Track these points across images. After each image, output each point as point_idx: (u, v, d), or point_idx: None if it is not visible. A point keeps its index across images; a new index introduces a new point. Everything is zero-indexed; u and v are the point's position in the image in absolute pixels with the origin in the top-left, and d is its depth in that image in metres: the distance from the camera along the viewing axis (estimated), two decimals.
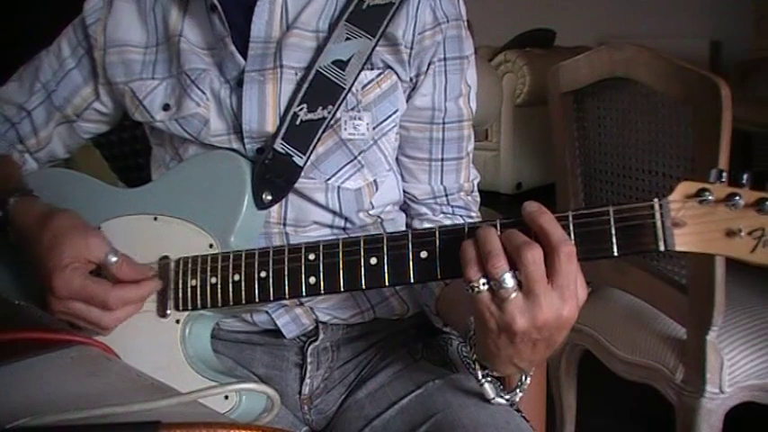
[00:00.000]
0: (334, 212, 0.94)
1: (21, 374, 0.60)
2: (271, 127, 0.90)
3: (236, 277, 0.84)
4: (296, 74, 0.90)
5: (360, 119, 0.91)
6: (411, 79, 0.93)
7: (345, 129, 0.91)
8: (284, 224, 0.94)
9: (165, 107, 0.95)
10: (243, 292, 0.84)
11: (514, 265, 0.68)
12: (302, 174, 0.90)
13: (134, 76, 0.97)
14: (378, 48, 0.90)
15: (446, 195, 0.98)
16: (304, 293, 0.81)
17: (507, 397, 0.79)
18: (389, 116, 0.92)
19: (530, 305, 0.67)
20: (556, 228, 0.68)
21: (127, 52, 0.97)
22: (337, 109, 0.89)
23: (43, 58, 1.05)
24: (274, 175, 0.90)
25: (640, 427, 2.07)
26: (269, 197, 0.90)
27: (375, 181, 0.95)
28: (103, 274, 0.85)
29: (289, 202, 0.93)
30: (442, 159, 0.97)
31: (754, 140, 2.58)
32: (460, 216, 0.99)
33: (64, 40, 1.04)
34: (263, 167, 0.90)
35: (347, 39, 0.89)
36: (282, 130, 0.89)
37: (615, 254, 0.70)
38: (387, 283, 0.78)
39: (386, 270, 0.77)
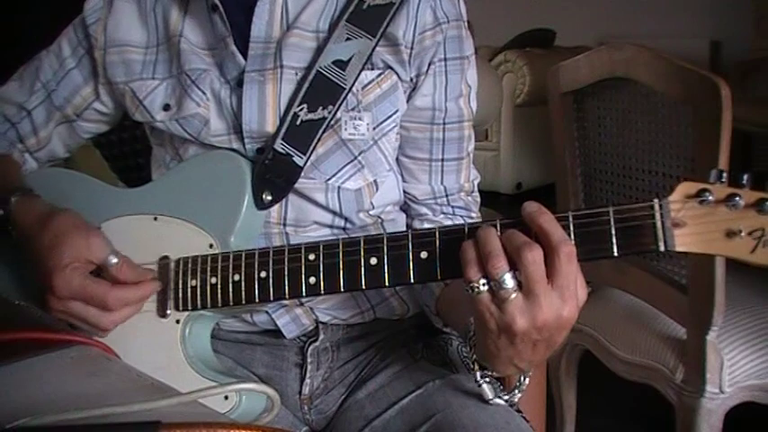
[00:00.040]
0: (334, 213, 0.94)
1: (21, 374, 0.60)
2: (271, 127, 0.90)
3: (236, 277, 0.84)
4: (296, 74, 0.90)
5: (360, 119, 0.91)
6: (411, 79, 0.93)
7: (346, 129, 0.91)
8: (284, 224, 0.94)
9: (166, 107, 0.95)
10: (243, 293, 0.84)
11: (514, 266, 0.68)
12: (302, 174, 0.90)
13: (134, 76, 0.97)
14: (378, 48, 0.90)
15: (446, 196, 0.98)
16: (304, 294, 0.81)
17: (506, 398, 0.79)
18: (390, 116, 0.92)
19: (530, 305, 0.67)
20: (556, 228, 0.68)
21: (127, 52, 0.98)
22: (337, 109, 0.89)
23: (43, 58, 1.05)
24: (274, 176, 0.90)
25: (640, 427, 2.07)
26: (269, 197, 0.90)
27: (375, 181, 0.95)
28: (103, 274, 0.85)
29: (289, 202, 0.93)
30: (443, 160, 0.97)
31: (754, 140, 2.58)
32: (461, 216, 0.99)
33: (64, 39, 1.04)
34: (264, 167, 0.90)
35: (347, 39, 0.89)
36: (282, 131, 0.89)
37: (615, 254, 0.70)
38: (387, 284, 0.78)
39: (386, 270, 0.77)
